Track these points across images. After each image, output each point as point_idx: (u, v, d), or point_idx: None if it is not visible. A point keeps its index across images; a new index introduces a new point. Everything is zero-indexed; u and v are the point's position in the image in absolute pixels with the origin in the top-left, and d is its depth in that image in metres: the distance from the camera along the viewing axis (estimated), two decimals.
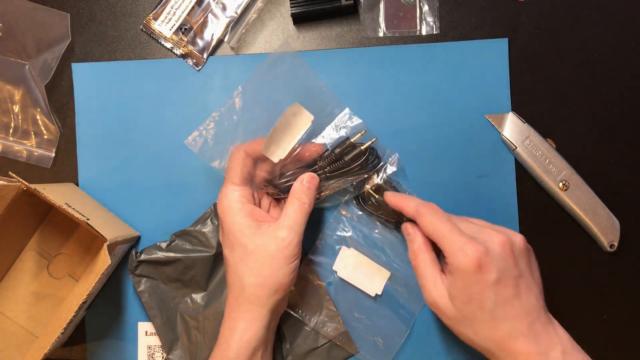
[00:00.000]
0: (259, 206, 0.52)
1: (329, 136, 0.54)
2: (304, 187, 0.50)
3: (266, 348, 0.49)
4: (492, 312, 0.42)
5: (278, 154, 0.52)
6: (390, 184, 0.54)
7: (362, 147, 0.51)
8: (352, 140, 0.52)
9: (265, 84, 0.52)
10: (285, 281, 0.48)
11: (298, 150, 0.52)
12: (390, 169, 0.54)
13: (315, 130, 0.53)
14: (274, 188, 0.52)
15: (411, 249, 0.48)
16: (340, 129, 0.54)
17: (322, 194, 0.53)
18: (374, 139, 0.52)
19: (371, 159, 0.52)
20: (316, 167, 0.52)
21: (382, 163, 0.53)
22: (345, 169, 0.52)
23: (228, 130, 0.52)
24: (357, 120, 0.54)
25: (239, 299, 0.48)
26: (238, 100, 0.52)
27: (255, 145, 0.51)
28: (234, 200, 0.49)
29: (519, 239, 0.45)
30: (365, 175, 0.52)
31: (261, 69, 0.52)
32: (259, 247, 0.48)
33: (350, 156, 0.51)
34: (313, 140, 0.53)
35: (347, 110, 0.54)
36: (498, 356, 0.43)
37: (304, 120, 0.52)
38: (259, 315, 0.48)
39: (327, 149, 0.53)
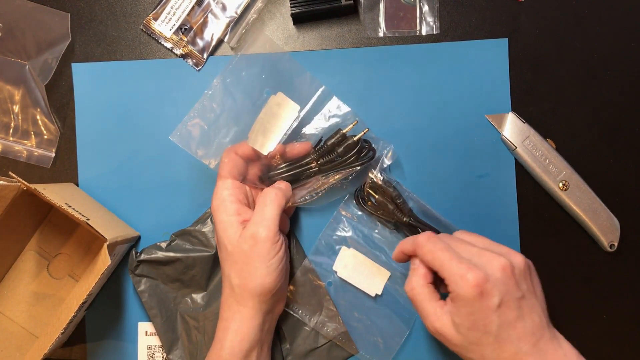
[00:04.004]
0: (254, 206, 0.52)
1: (320, 126, 0.53)
2: (273, 187, 0.51)
3: (262, 348, 0.49)
4: (496, 335, 0.42)
5: (267, 147, 0.51)
6: (390, 184, 0.54)
7: (355, 139, 0.51)
8: (344, 131, 0.52)
9: (243, 71, 0.53)
10: (266, 282, 0.47)
11: (286, 150, 0.52)
12: (386, 162, 0.54)
13: (303, 119, 0.53)
14: (268, 181, 0.52)
15: (410, 281, 0.46)
16: (329, 118, 0.54)
17: (317, 187, 0.52)
18: (366, 130, 0.52)
19: (364, 151, 0.52)
20: (309, 159, 0.52)
21: (376, 155, 0.53)
22: (339, 160, 0.51)
23: (210, 121, 0.52)
24: (345, 109, 0.54)
25: (229, 299, 0.48)
26: (217, 90, 0.52)
27: (245, 146, 0.51)
28: (222, 199, 0.49)
29: (519, 259, 0.44)
30: (358, 168, 0.52)
31: (237, 60, 0.53)
32: (236, 248, 0.47)
33: (342, 147, 0.51)
34: (303, 131, 0.53)
35: (335, 98, 0.54)
36: None
37: (290, 111, 0.52)
38: (248, 316, 0.47)
39: (321, 140, 0.53)
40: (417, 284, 0.46)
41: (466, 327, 0.42)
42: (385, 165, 0.54)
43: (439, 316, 0.44)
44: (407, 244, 0.48)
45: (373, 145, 0.53)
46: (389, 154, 0.54)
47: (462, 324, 0.43)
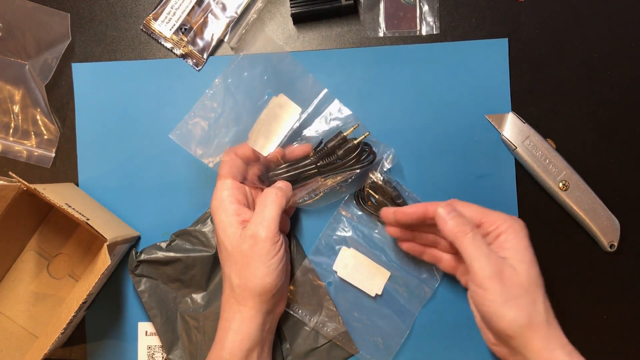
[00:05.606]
0: (254, 206, 0.52)
1: (321, 129, 0.53)
2: (273, 187, 0.51)
3: (263, 348, 0.49)
4: (538, 276, 0.45)
5: (267, 148, 0.51)
6: (390, 184, 0.54)
7: (355, 142, 0.51)
8: (344, 134, 0.52)
9: (245, 71, 0.53)
10: (266, 282, 0.47)
11: (285, 153, 0.52)
12: (386, 166, 0.54)
13: (304, 122, 0.53)
14: (268, 182, 0.52)
15: (456, 225, 0.46)
16: (330, 120, 0.54)
17: (317, 189, 0.52)
18: (367, 133, 0.52)
19: (365, 154, 0.52)
20: (309, 161, 0.52)
21: (377, 159, 0.53)
22: (339, 163, 0.51)
23: (211, 120, 0.52)
24: (347, 112, 0.54)
25: (229, 299, 0.48)
26: (218, 90, 0.52)
27: (245, 147, 0.51)
28: (221, 200, 0.49)
29: None
30: (358, 171, 0.52)
31: (239, 60, 0.53)
32: (235, 248, 0.48)
33: (342, 150, 0.51)
34: (304, 133, 0.53)
35: (336, 101, 0.54)
36: (542, 330, 0.44)
37: (291, 113, 0.52)
38: (248, 316, 0.47)
39: (321, 141, 0.53)
40: (470, 225, 0.46)
41: (527, 264, 0.45)
42: (385, 169, 0.54)
43: (498, 260, 0.45)
44: (434, 204, 0.48)
45: (374, 149, 0.53)
46: (389, 158, 0.54)
47: (529, 261, 0.45)
